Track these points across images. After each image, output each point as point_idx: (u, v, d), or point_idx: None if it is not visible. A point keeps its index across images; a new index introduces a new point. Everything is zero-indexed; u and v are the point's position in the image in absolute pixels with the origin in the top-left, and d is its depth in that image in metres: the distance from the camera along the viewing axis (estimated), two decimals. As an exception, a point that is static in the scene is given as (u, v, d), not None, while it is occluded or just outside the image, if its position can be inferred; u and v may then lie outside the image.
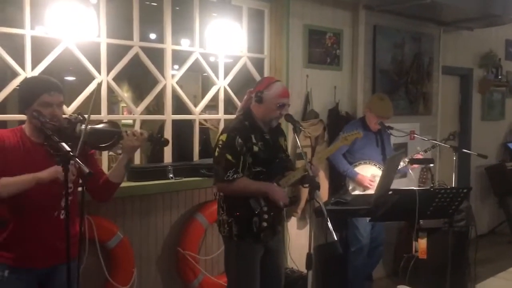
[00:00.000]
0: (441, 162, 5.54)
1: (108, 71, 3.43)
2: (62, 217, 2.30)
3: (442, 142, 4.19)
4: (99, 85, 3.36)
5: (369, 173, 4.06)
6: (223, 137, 2.77)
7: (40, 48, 3.15)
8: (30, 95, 2.23)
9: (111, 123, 2.49)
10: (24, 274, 2.28)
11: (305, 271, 2.53)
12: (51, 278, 2.36)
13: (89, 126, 2.31)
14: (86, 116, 2.29)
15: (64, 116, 2.37)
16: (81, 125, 2.27)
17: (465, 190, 3.20)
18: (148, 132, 2.46)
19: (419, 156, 4.11)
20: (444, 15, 5.28)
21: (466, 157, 5.97)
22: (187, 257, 3.57)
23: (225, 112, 4.07)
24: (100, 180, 2.44)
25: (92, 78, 3.37)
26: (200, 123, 4.07)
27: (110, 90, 3.49)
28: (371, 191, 3.93)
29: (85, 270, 2.92)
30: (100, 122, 2.52)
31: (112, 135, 2.37)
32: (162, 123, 3.82)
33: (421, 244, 3.38)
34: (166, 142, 2.62)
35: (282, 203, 2.78)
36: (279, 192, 2.76)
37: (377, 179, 3.98)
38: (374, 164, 4.09)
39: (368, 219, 3.52)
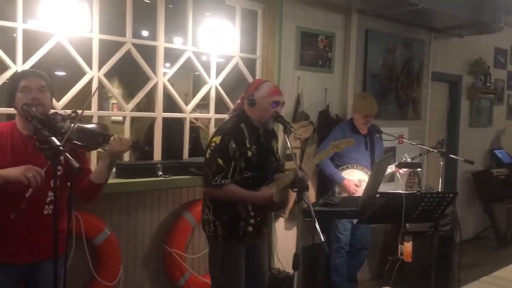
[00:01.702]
0: (428, 167, 5.59)
1: (100, 67, 3.42)
2: (45, 212, 2.29)
3: (430, 148, 4.24)
4: (91, 81, 3.35)
5: (356, 178, 4.09)
6: (217, 139, 2.73)
7: (32, 42, 3.14)
8: (12, 86, 2.29)
9: (101, 125, 2.47)
10: (9, 269, 2.27)
11: (291, 271, 2.55)
12: (36, 273, 2.34)
13: (79, 124, 2.31)
14: (78, 112, 2.29)
15: (57, 111, 2.38)
16: (71, 123, 2.27)
17: (451, 195, 3.25)
18: (132, 139, 2.45)
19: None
20: (435, 22, 5.33)
21: (453, 163, 6.04)
22: (174, 255, 3.57)
23: (216, 112, 4.07)
24: (86, 179, 2.41)
25: (83, 73, 3.36)
26: (191, 122, 4.07)
27: (100, 85, 3.48)
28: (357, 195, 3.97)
29: (71, 266, 2.91)
30: (92, 122, 2.51)
31: (98, 137, 2.34)
32: (152, 121, 3.82)
33: (407, 247, 3.42)
34: (146, 154, 2.61)
35: (268, 203, 2.82)
36: (265, 199, 2.77)
37: (363, 185, 4.02)
38: (361, 169, 4.12)
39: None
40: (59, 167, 2.25)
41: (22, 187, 2.06)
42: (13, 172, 2.09)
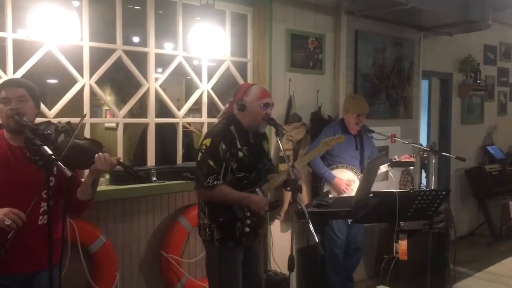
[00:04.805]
0: (421, 165, 5.61)
1: (91, 74, 3.42)
2: (40, 222, 2.29)
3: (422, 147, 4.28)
4: (82, 89, 3.35)
5: (345, 178, 4.12)
6: (207, 141, 2.75)
7: (22, 51, 3.14)
8: None
9: (95, 142, 2.40)
10: (5, 279, 2.27)
11: (287, 273, 2.56)
12: (34, 283, 2.34)
13: (74, 140, 2.29)
14: (72, 124, 2.27)
15: (49, 120, 2.37)
16: (65, 136, 2.26)
17: (444, 192, 3.26)
18: (117, 158, 2.36)
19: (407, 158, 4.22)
20: (424, 21, 5.37)
21: (446, 160, 6.07)
22: (170, 260, 3.57)
23: (209, 116, 4.09)
24: (75, 193, 2.38)
25: (74, 81, 3.37)
26: (184, 127, 4.09)
27: (93, 92, 3.49)
28: (345, 195, 3.99)
29: (67, 275, 2.91)
30: (86, 138, 2.46)
31: (90, 157, 2.26)
32: (145, 127, 3.83)
33: (402, 245, 3.44)
34: (139, 178, 2.48)
35: (263, 212, 2.81)
36: (258, 202, 2.77)
37: (352, 185, 4.05)
38: (350, 169, 4.15)
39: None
40: (52, 178, 2.24)
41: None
42: None
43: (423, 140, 5.88)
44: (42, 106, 3.17)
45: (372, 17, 4.96)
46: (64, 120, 2.49)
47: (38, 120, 2.44)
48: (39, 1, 2.93)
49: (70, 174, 1.93)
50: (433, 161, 4.00)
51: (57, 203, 2.36)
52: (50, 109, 3.25)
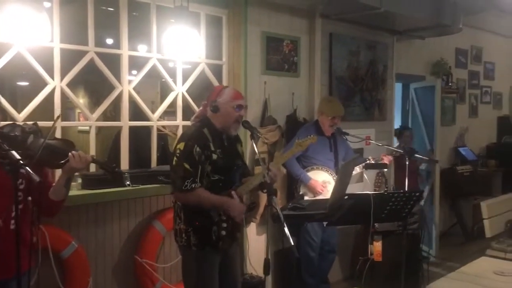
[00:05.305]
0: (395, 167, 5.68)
1: (62, 77, 3.35)
2: (12, 227, 2.23)
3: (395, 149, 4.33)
4: (53, 91, 3.28)
5: (320, 179, 4.14)
6: (181, 145, 2.74)
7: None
8: None
9: (67, 142, 2.39)
10: None
11: (264, 276, 2.55)
12: None
13: (44, 140, 2.25)
14: (38, 125, 2.23)
15: (15, 122, 2.31)
16: (34, 137, 2.22)
17: (417, 194, 3.30)
18: (92, 156, 2.37)
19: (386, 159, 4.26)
20: (397, 24, 5.45)
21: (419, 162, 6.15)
22: (144, 265, 3.52)
23: (184, 118, 4.05)
24: (47, 194, 2.35)
25: (45, 83, 3.30)
26: (158, 130, 4.04)
27: (65, 95, 3.42)
28: (321, 197, 4.01)
29: (37, 282, 2.84)
30: (56, 138, 2.44)
31: (63, 156, 2.26)
32: (119, 130, 3.77)
33: (376, 247, 3.47)
34: (115, 174, 2.51)
35: (239, 219, 2.81)
36: (236, 208, 2.76)
37: (328, 186, 4.08)
38: (326, 170, 4.18)
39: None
40: (22, 180, 2.20)
41: None
42: None
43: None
44: (11, 109, 3.12)
45: (347, 20, 5.01)
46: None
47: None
48: (8, 2, 2.85)
49: (38, 180, 1.89)
50: (406, 163, 4.04)
51: (29, 206, 2.30)
52: (19, 112, 3.17)
